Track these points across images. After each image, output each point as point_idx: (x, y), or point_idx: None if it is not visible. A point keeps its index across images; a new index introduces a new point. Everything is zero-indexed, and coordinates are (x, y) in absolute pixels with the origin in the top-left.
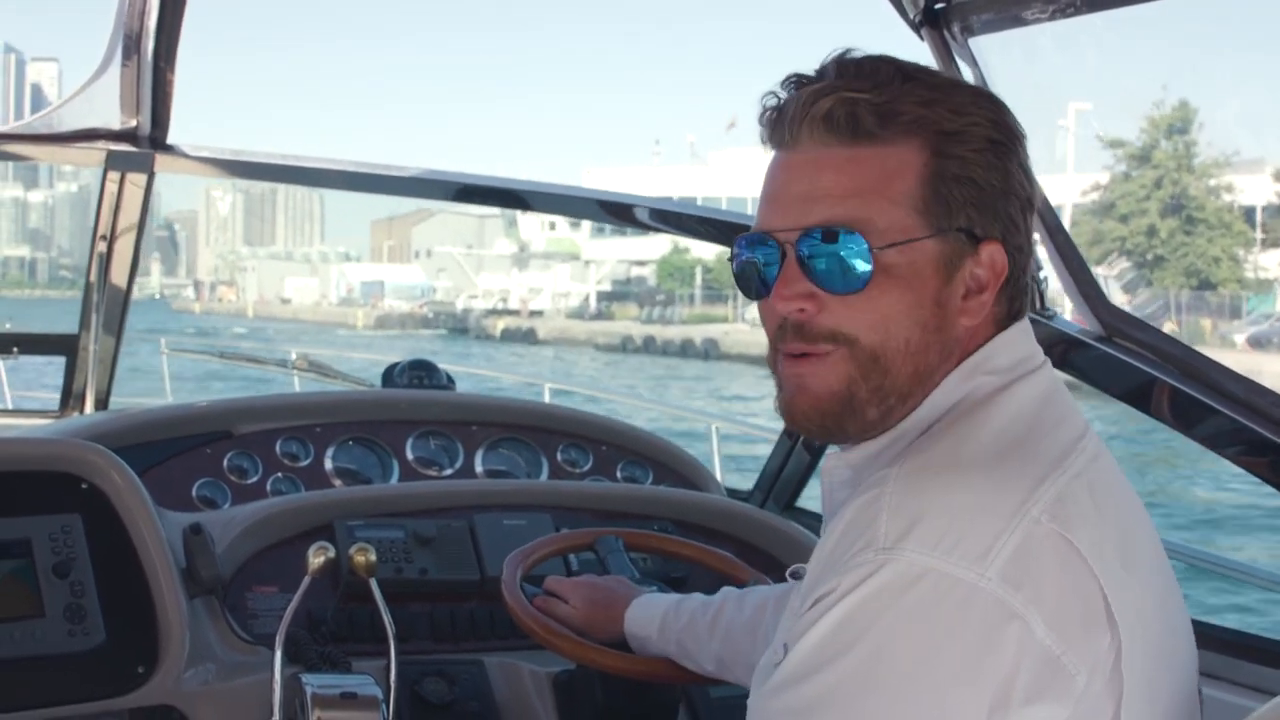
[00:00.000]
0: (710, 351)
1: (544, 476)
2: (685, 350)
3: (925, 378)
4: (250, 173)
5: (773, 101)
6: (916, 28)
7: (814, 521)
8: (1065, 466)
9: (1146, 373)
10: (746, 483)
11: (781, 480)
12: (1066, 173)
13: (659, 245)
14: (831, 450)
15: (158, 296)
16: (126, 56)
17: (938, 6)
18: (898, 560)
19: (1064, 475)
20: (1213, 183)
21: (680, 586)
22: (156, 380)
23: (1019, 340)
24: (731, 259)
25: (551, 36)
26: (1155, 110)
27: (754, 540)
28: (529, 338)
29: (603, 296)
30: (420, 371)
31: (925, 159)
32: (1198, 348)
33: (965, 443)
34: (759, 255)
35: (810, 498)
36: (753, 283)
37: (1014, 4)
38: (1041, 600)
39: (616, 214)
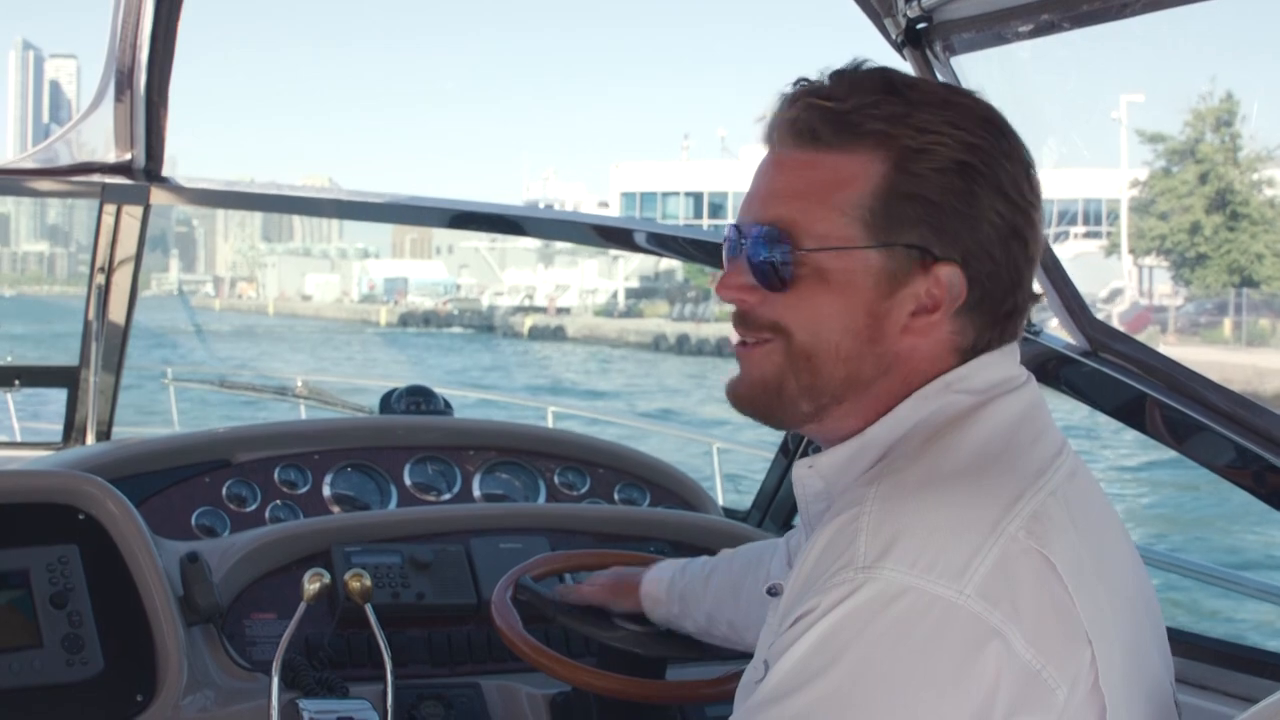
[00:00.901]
0: None
1: (541, 500)
2: (721, 349)
3: (860, 387)
4: (243, 204)
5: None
6: (899, 48)
7: None
8: (1042, 484)
9: (1132, 387)
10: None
11: (778, 499)
12: (1120, 167)
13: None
14: (800, 461)
15: (176, 293)
16: (120, 91)
17: (919, 26)
18: (877, 579)
19: (1041, 492)
20: (1256, 177)
21: None
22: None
23: (1001, 363)
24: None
25: (578, 34)
26: (1202, 103)
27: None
28: (558, 336)
29: (631, 293)
30: (418, 397)
31: (884, 172)
32: (1260, 350)
33: (942, 460)
34: (728, 245)
35: None
36: (724, 268)
37: (995, 22)
38: (1020, 616)
39: (612, 238)
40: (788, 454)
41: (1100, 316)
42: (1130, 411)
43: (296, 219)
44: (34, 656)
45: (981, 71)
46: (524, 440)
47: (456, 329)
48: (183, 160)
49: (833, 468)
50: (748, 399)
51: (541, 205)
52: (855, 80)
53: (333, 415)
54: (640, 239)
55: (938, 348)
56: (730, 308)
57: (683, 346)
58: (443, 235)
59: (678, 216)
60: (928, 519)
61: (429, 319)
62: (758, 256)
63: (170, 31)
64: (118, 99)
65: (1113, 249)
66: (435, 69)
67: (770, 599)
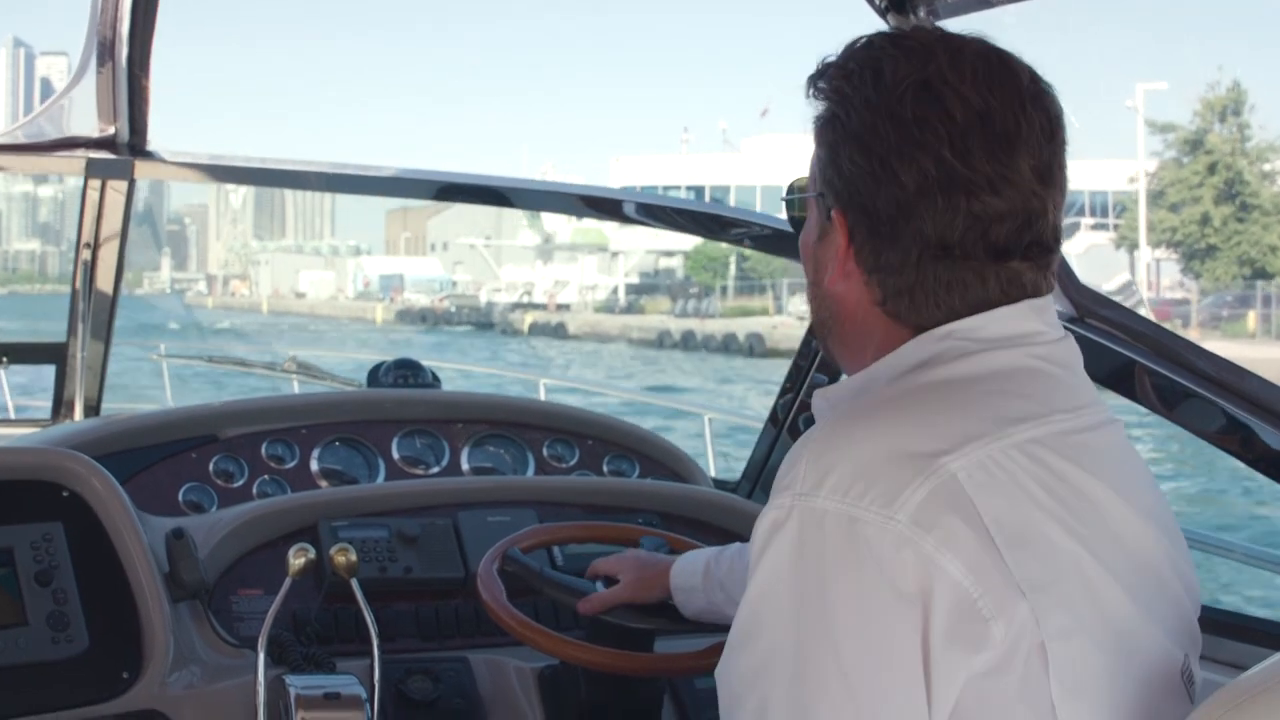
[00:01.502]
0: (755, 347)
1: (530, 472)
2: (728, 345)
3: (827, 331)
4: (229, 176)
5: None
6: (883, 13)
7: None
8: (1010, 433)
9: (1119, 354)
10: None
11: (768, 469)
12: (1137, 158)
13: (690, 236)
14: (818, 391)
15: (168, 291)
16: (101, 64)
17: None
18: (811, 506)
19: (1002, 440)
20: (1267, 167)
21: None
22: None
23: (1021, 316)
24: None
25: (574, 25)
26: (1210, 92)
27: (741, 531)
28: (559, 332)
29: (631, 289)
30: (405, 370)
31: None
32: None
33: (899, 392)
34: None
35: None
36: None
37: None
38: (953, 544)
39: (601, 208)
40: (777, 424)
41: None
42: (1118, 378)
43: (290, 217)
44: (19, 634)
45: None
46: (512, 413)
47: (454, 326)
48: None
49: (841, 397)
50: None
51: None
52: (846, 49)
53: (321, 389)
54: (629, 209)
55: (861, 297)
56: (734, 304)
57: (688, 343)
58: (438, 232)
59: None
60: (864, 449)
61: (425, 316)
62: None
63: (151, 3)
64: (99, 73)
65: (1122, 241)
66: (433, 62)
67: None
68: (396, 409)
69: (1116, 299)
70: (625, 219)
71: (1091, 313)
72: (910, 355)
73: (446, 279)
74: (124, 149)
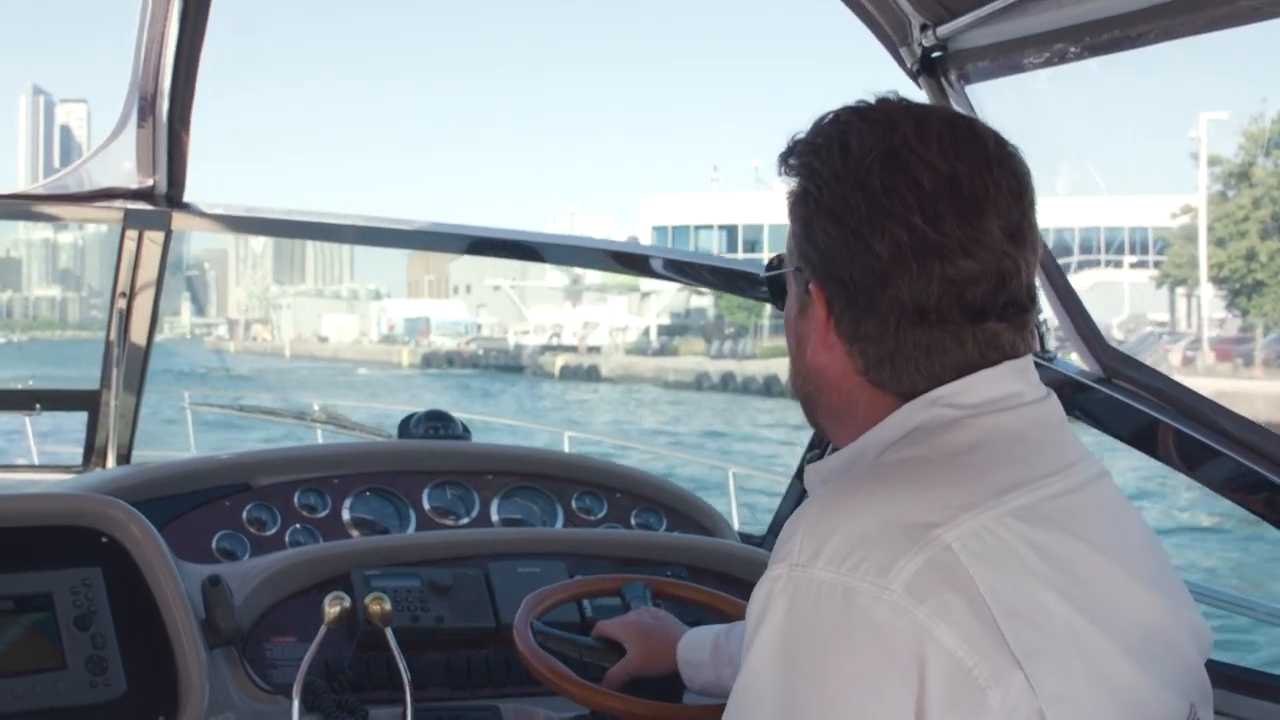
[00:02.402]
0: None
1: (559, 524)
2: (770, 387)
3: (814, 404)
4: (263, 229)
5: None
6: (914, 76)
7: None
8: (1004, 500)
9: (1146, 414)
10: None
11: None
12: (1199, 190)
13: None
14: (809, 466)
15: (188, 336)
16: (142, 117)
17: (934, 55)
18: (807, 578)
19: (996, 509)
20: None
21: None
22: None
23: (1002, 379)
24: None
25: (603, 69)
26: (1254, 125)
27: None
28: (591, 375)
29: (663, 330)
30: (436, 422)
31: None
32: None
33: (894, 464)
34: None
35: None
36: None
37: (1010, 51)
38: (948, 613)
39: (630, 264)
40: (801, 479)
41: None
42: (1144, 438)
43: (309, 261)
44: (58, 678)
45: (997, 100)
46: (541, 465)
47: (483, 370)
48: (207, 197)
49: (833, 470)
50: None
51: None
52: (815, 123)
53: (351, 440)
54: (657, 265)
55: (841, 365)
56: (771, 344)
57: (727, 385)
58: (460, 274)
59: (711, 250)
60: (859, 521)
61: (452, 360)
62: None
63: (193, 58)
64: (140, 125)
65: (1165, 278)
66: (460, 105)
67: None
68: (427, 460)
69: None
70: (654, 275)
71: (1119, 373)
72: (899, 424)
73: (471, 322)
74: (162, 200)
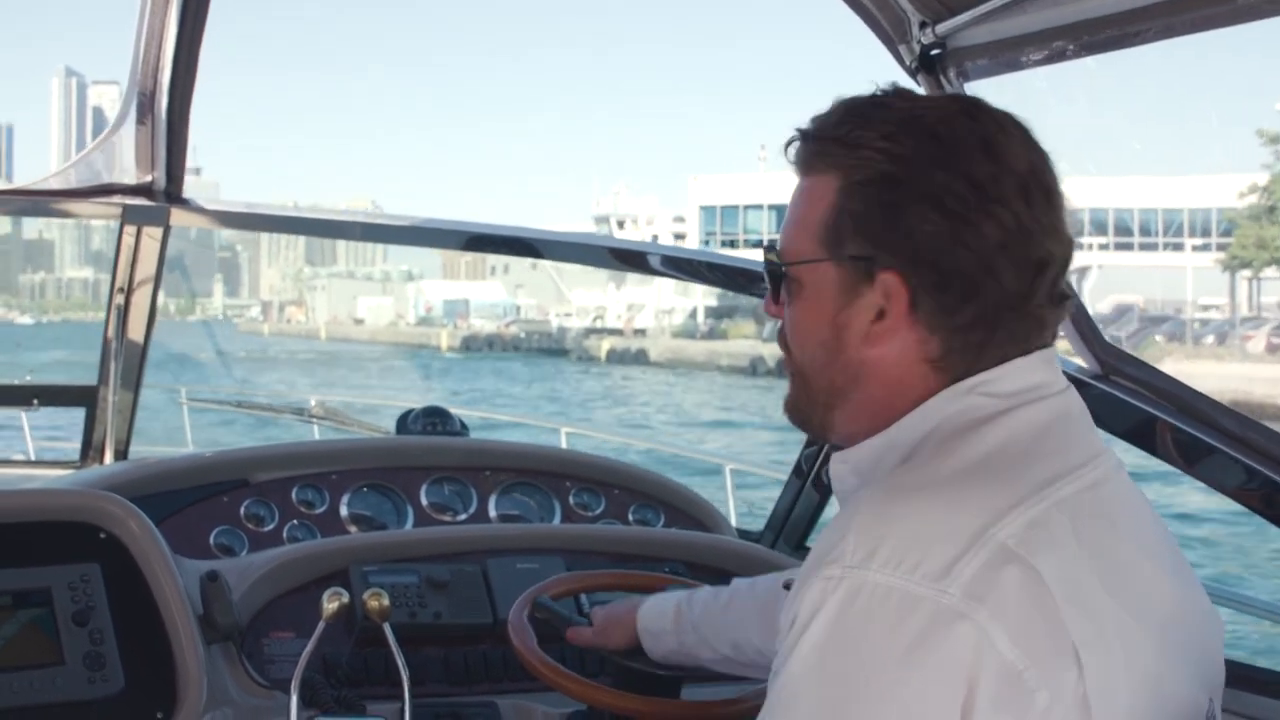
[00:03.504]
0: None
1: (557, 520)
2: None
3: (840, 396)
4: (263, 225)
5: None
6: (913, 74)
7: None
8: (1047, 494)
9: (1144, 410)
10: None
11: (791, 520)
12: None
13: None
14: (835, 455)
15: (221, 318)
16: (141, 114)
17: (933, 53)
18: (862, 579)
19: (1043, 502)
20: None
21: None
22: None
23: (1032, 370)
24: None
25: (649, 49)
26: None
27: None
28: (639, 359)
29: (710, 312)
30: (434, 418)
31: (834, 190)
32: None
33: (946, 462)
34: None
35: None
36: None
37: (1009, 49)
38: (1004, 616)
39: (629, 261)
40: (801, 475)
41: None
42: (1141, 434)
43: (341, 242)
44: (56, 674)
45: (996, 98)
46: (539, 461)
47: (524, 353)
48: (226, 184)
49: (864, 461)
50: (788, 413)
51: (613, 220)
52: (837, 107)
53: (349, 436)
54: (656, 262)
55: (904, 355)
56: None
57: (784, 371)
58: (498, 254)
59: (760, 231)
60: (915, 522)
61: (493, 343)
62: (767, 274)
63: (192, 54)
64: (139, 121)
65: (1232, 261)
66: (506, 86)
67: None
68: (425, 456)
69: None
70: (652, 272)
71: (1116, 370)
72: (933, 412)
73: (510, 303)
74: (160, 196)
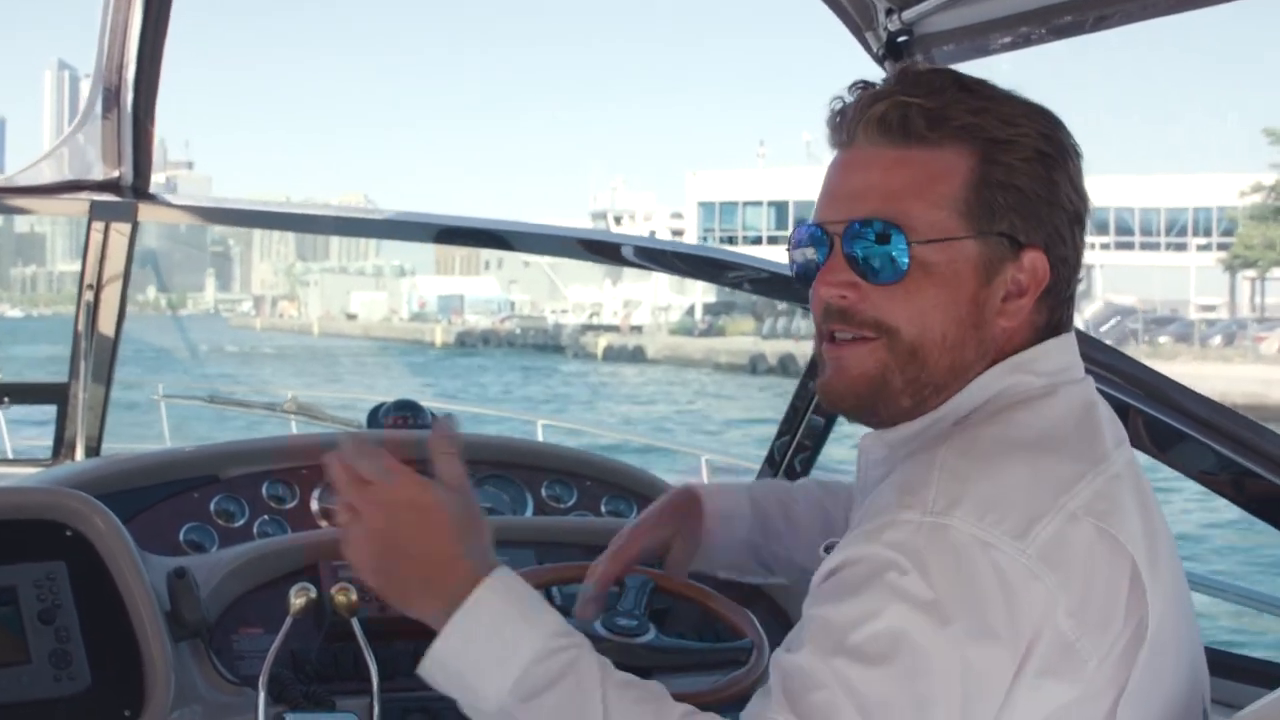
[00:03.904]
0: None
1: (529, 513)
2: None
3: (961, 372)
4: (231, 219)
5: (838, 105)
6: (879, 60)
7: None
8: (1104, 468)
9: (1115, 398)
10: None
11: None
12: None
13: (775, 252)
14: (871, 435)
15: (212, 312)
16: (107, 109)
17: (900, 40)
18: (944, 527)
19: (1102, 475)
20: None
21: (661, 621)
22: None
23: (1064, 349)
24: (789, 249)
25: (645, 44)
26: None
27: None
28: (637, 357)
29: (708, 309)
30: (405, 412)
31: (972, 164)
32: None
33: (1011, 431)
34: (811, 245)
35: None
36: (807, 270)
37: (975, 35)
38: (1069, 588)
39: (600, 252)
40: (774, 465)
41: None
42: None
43: (333, 238)
44: (22, 673)
45: None
46: (511, 454)
47: (520, 349)
48: (220, 179)
49: (901, 439)
50: (850, 396)
51: (610, 216)
52: (927, 78)
53: (322, 430)
54: (628, 253)
55: (1024, 330)
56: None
57: (787, 368)
58: (492, 250)
59: (758, 228)
60: (997, 481)
61: (488, 338)
62: (865, 252)
63: (156, 49)
64: (105, 117)
65: (1234, 260)
66: (500, 80)
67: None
68: (396, 449)
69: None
70: (624, 262)
71: (1087, 358)
72: (983, 389)
73: (504, 299)
74: (128, 192)
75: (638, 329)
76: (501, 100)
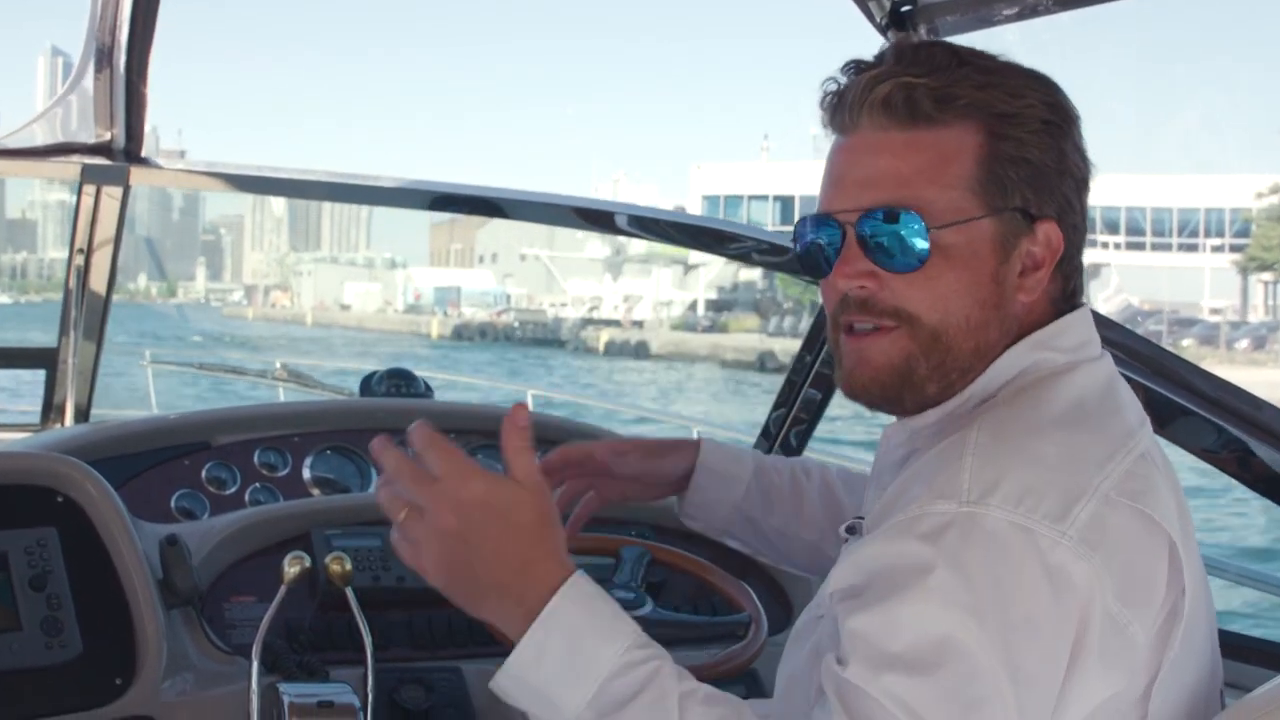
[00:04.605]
0: None
1: None
2: None
3: (985, 353)
4: (223, 183)
5: (833, 87)
6: (883, 30)
7: None
8: (1131, 447)
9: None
10: None
11: None
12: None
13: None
14: (898, 423)
15: (204, 301)
16: (99, 70)
17: (904, 9)
18: (982, 515)
19: (1130, 455)
20: None
21: (657, 594)
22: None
23: (1083, 323)
24: (794, 241)
25: (649, 37)
26: None
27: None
28: (640, 352)
29: (710, 305)
30: (399, 380)
31: (981, 141)
32: None
33: (1039, 411)
34: (822, 236)
35: None
36: (817, 262)
37: (981, 5)
38: (1111, 569)
39: (594, 220)
40: (769, 439)
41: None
42: None
43: (325, 228)
44: (12, 639)
45: None
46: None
47: (518, 343)
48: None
49: (926, 425)
50: (875, 386)
51: None
52: (926, 55)
53: (313, 398)
54: (622, 221)
55: (1043, 304)
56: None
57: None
58: (486, 243)
59: (764, 222)
60: (1031, 464)
61: (485, 331)
62: (884, 241)
63: (151, 9)
64: (97, 79)
65: (1250, 263)
66: (500, 72)
67: (847, 538)
68: (389, 418)
69: None
70: (618, 231)
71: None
72: (1007, 367)
73: (501, 292)
74: (120, 155)
75: (638, 324)
76: (502, 93)
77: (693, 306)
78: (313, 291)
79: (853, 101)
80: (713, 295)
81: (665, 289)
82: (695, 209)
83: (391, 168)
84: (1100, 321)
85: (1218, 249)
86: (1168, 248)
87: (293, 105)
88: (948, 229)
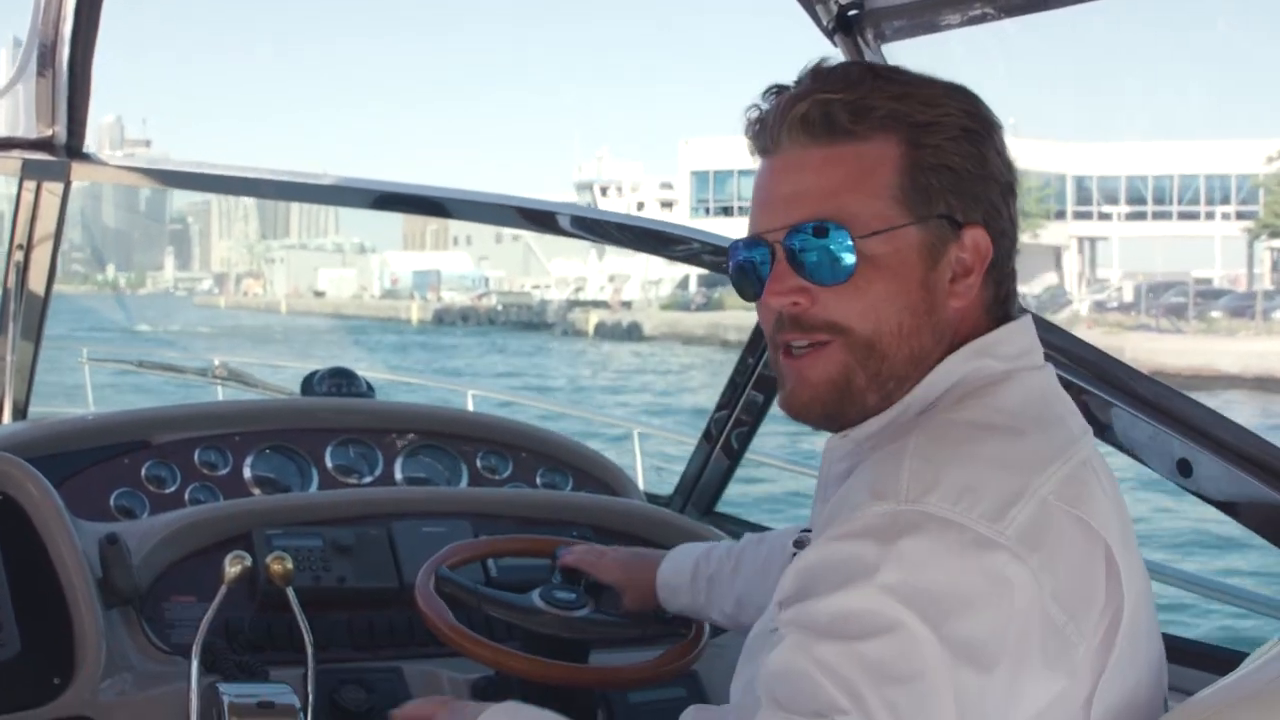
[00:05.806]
0: None
1: (464, 483)
2: None
3: (921, 360)
4: (166, 181)
5: (755, 114)
6: (830, 34)
7: (734, 526)
8: (1071, 454)
9: (1061, 377)
10: None
11: (701, 485)
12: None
13: None
14: (838, 435)
15: (173, 290)
16: (42, 65)
17: (850, 14)
18: (918, 512)
19: (1070, 461)
20: None
21: (598, 595)
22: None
23: (1024, 332)
24: (726, 264)
25: (639, 14)
26: None
27: (673, 545)
28: (632, 334)
29: (703, 281)
30: (340, 379)
31: (901, 150)
32: None
33: (980, 415)
34: (754, 255)
35: (729, 503)
36: (750, 283)
37: (927, 10)
38: (1053, 571)
39: (537, 221)
40: (710, 440)
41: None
42: None
43: (294, 214)
44: None
45: (913, 60)
46: (446, 424)
47: (502, 327)
48: (177, 157)
49: (869, 434)
50: (816, 404)
51: (595, 188)
52: (842, 72)
53: (254, 397)
54: (565, 222)
55: (976, 310)
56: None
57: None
58: (460, 225)
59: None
60: (970, 465)
61: (467, 316)
62: (812, 255)
63: (95, 4)
64: (40, 74)
65: (1262, 229)
66: (481, 52)
67: (795, 552)
68: (331, 418)
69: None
70: (560, 232)
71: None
72: (947, 375)
73: (479, 275)
74: (61, 151)
75: (627, 304)
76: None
77: (683, 284)
78: (286, 279)
79: (773, 123)
80: (704, 270)
81: (654, 267)
82: (684, 184)
83: (373, 151)
84: (1043, 326)
85: (1225, 216)
86: (1168, 216)
87: (261, 87)
88: (873, 238)
